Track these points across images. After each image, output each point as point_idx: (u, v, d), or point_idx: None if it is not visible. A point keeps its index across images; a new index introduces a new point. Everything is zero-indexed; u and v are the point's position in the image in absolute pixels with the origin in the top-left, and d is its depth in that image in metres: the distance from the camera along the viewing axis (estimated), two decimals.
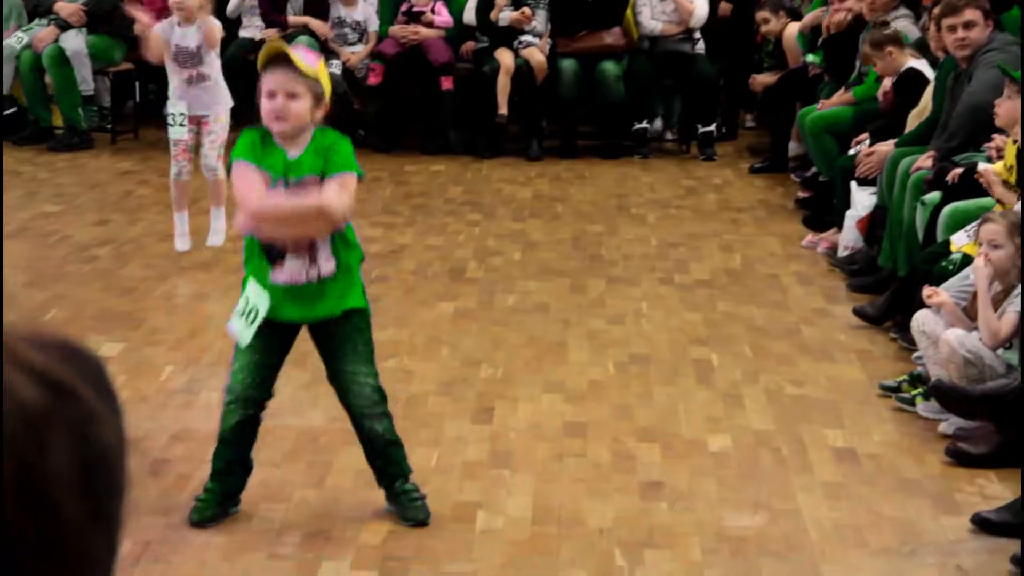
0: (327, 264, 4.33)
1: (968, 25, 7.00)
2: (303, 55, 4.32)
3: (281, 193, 4.27)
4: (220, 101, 7.40)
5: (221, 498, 4.46)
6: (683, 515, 4.54)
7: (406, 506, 4.46)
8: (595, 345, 6.26)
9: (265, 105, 4.25)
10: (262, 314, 4.33)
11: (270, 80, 4.25)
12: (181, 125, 7.34)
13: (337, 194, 4.22)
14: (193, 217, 7.54)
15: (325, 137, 4.32)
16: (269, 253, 4.34)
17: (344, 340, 4.39)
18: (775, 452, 5.07)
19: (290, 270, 4.33)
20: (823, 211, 8.32)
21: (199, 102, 7.33)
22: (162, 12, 11.43)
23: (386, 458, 4.48)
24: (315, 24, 10.61)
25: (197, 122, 7.38)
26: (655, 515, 4.53)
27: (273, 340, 4.39)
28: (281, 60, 4.24)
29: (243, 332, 4.36)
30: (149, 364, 5.83)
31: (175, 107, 7.34)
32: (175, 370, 5.80)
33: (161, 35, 7.33)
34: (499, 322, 6.58)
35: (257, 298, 4.34)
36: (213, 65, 7.36)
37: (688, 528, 4.45)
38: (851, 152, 7.99)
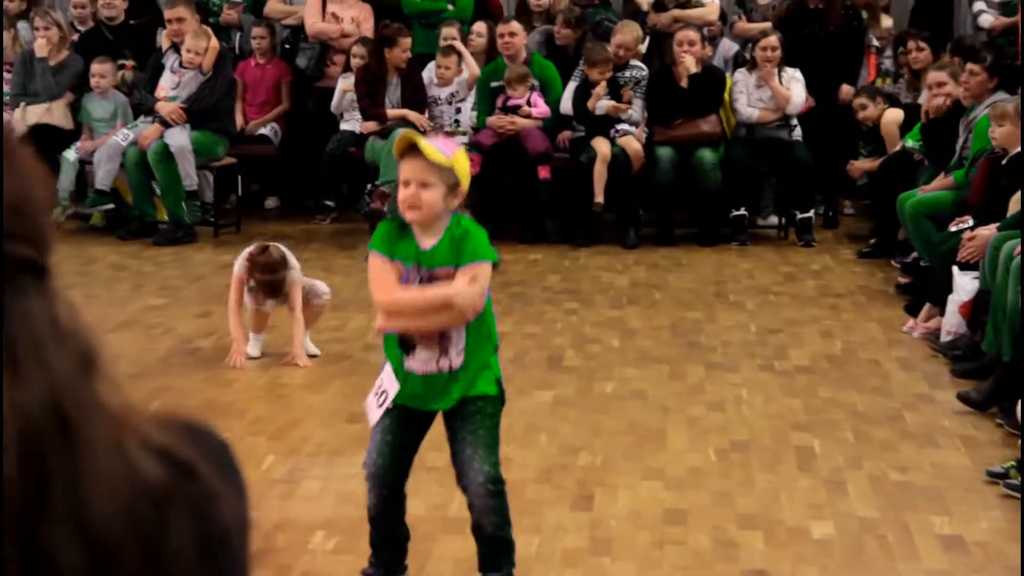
0: (458, 357, 4.34)
1: None
2: (438, 144, 4.32)
3: (414, 284, 4.30)
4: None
5: (384, 571, 4.57)
6: None
7: None
8: (695, 432, 6.22)
9: (400, 193, 4.28)
10: (390, 398, 4.37)
11: (404, 169, 4.27)
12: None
13: (467, 286, 4.23)
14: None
15: (460, 225, 4.31)
16: (403, 343, 4.37)
17: (466, 421, 4.38)
18: (880, 539, 4.98)
19: (421, 360, 4.35)
20: (924, 296, 8.23)
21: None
22: (263, 107, 11.70)
23: (491, 550, 4.47)
24: (412, 116, 10.73)
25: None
26: None
27: (407, 423, 4.42)
28: (415, 149, 4.25)
29: (372, 413, 4.41)
30: (251, 454, 5.88)
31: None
32: (276, 460, 5.84)
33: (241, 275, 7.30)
34: (597, 409, 6.56)
35: (390, 383, 4.37)
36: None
37: None
38: (951, 229, 7.90)
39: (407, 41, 10.79)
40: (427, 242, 4.31)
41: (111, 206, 11.08)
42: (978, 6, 11.48)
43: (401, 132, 4.41)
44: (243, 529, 1.11)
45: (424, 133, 10.68)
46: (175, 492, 1.02)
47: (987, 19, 11.26)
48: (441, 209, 4.26)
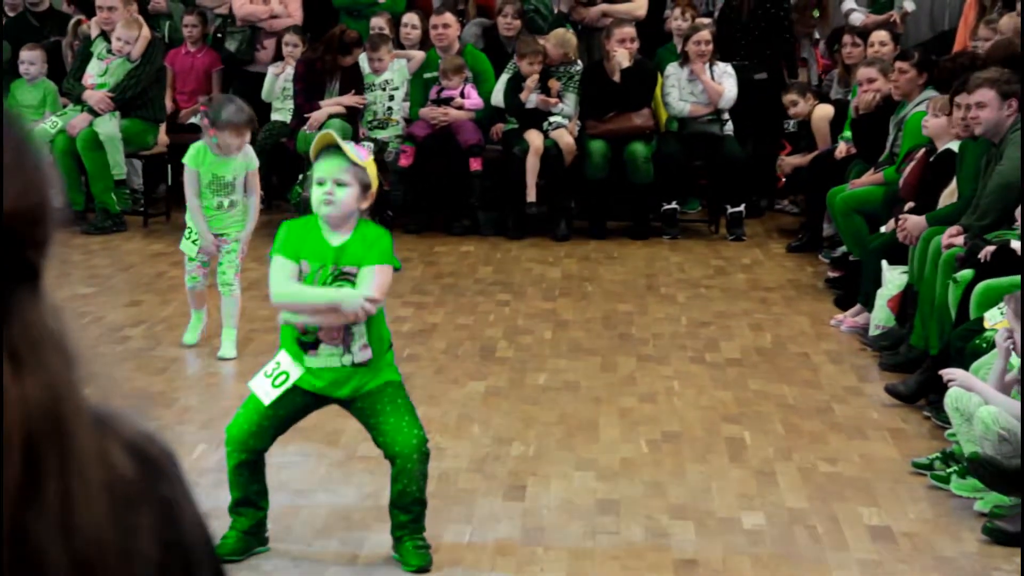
0: (362, 353, 4.54)
1: (979, 105, 7.03)
2: (353, 148, 4.57)
3: (324, 281, 4.51)
4: (243, 220, 7.25)
5: (241, 534, 4.69)
6: None
7: (411, 552, 4.59)
8: (626, 423, 6.25)
9: (315, 192, 4.51)
10: (291, 382, 4.52)
11: (321, 168, 4.50)
12: (194, 242, 7.22)
13: (365, 291, 4.45)
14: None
15: (369, 229, 4.58)
16: (303, 343, 4.53)
17: (381, 396, 4.56)
18: (810, 530, 5.03)
19: (324, 357, 4.53)
20: (854, 290, 8.31)
21: (223, 223, 7.20)
22: (193, 95, 11.60)
23: (409, 513, 4.62)
24: (347, 99, 10.61)
25: (214, 236, 7.22)
26: None
27: (290, 402, 4.58)
28: (332, 150, 4.50)
29: (267, 392, 4.54)
30: (180, 442, 5.83)
31: (193, 223, 7.23)
32: (207, 449, 5.80)
33: (194, 167, 7.14)
34: (530, 400, 6.57)
35: (290, 367, 4.53)
36: (242, 190, 7.22)
37: None
38: (883, 230, 7.98)
39: (360, 50, 10.72)
40: (336, 240, 4.52)
41: None
42: (847, 5, 11.55)
43: (321, 132, 4.58)
44: (205, 534, 1.11)
45: (360, 114, 10.65)
46: (145, 491, 1.03)
47: (858, 17, 11.34)
48: (354, 208, 4.51)
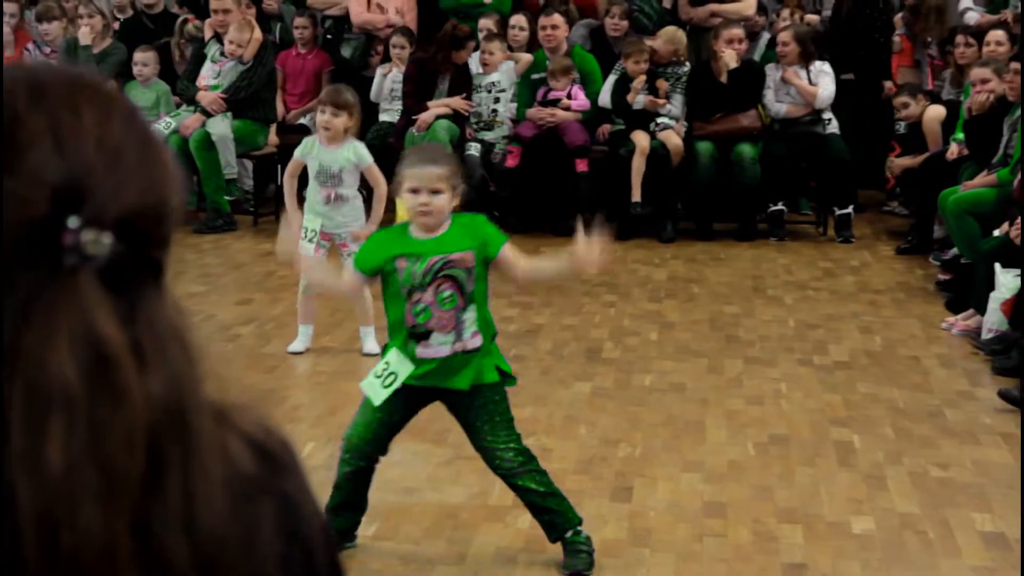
0: (473, 340, 4.50)
1: None
2: None
3: (428, 273, 4.48)
4: (358, 220, 7.25)
5: (335, 534, 4.66)
6: None
7: (568, 555, 4.61)
8: (734, 425, 6.22)
9: (409, 200, 4.50)
10: (400, 380, 4.50)
11: (413, 178, 4.48)
12: (311, 241, 7.19)
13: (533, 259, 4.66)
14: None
15: (463, 217, 4.58)
16: (415, 335, 4.49)
17: (479, 413, 4.55)
18: (921, 535, 4.97)
19: (436, 347, 4.49)
20: (965, 293, 8.19)
21: (335, 221, 7.22)
22: (303, 97, 11.72)
23: (547, 511, 4.62)
24: (454, 102, 10.69)
25: (331, 238, 7.25)
26: None
27: (401, 403, 4.57)
28: (424, 155, 4.63)
29: (377, 393, 4.53)
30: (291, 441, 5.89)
31: (310, 222, 7.20)
32: (316, 446, 5.86)
33: (299, 157, 7.23)
34: (636, 401, 6.56)
35: (399, 365, 4.51)
36: (353, 186, 7.27)
37: None
38: (996, 233, 7.86)
39: (473, 44, 10.82)
40: (436, 233, 4.53)
41: None
42: (964, 3, 11.40)
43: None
44: (323, 525, 1.12)
45: (467, 117, 10.72)
46: (265, 484, 1.04)
47: (973, 16, 11.18)
48: (448, 212, 4.53)
